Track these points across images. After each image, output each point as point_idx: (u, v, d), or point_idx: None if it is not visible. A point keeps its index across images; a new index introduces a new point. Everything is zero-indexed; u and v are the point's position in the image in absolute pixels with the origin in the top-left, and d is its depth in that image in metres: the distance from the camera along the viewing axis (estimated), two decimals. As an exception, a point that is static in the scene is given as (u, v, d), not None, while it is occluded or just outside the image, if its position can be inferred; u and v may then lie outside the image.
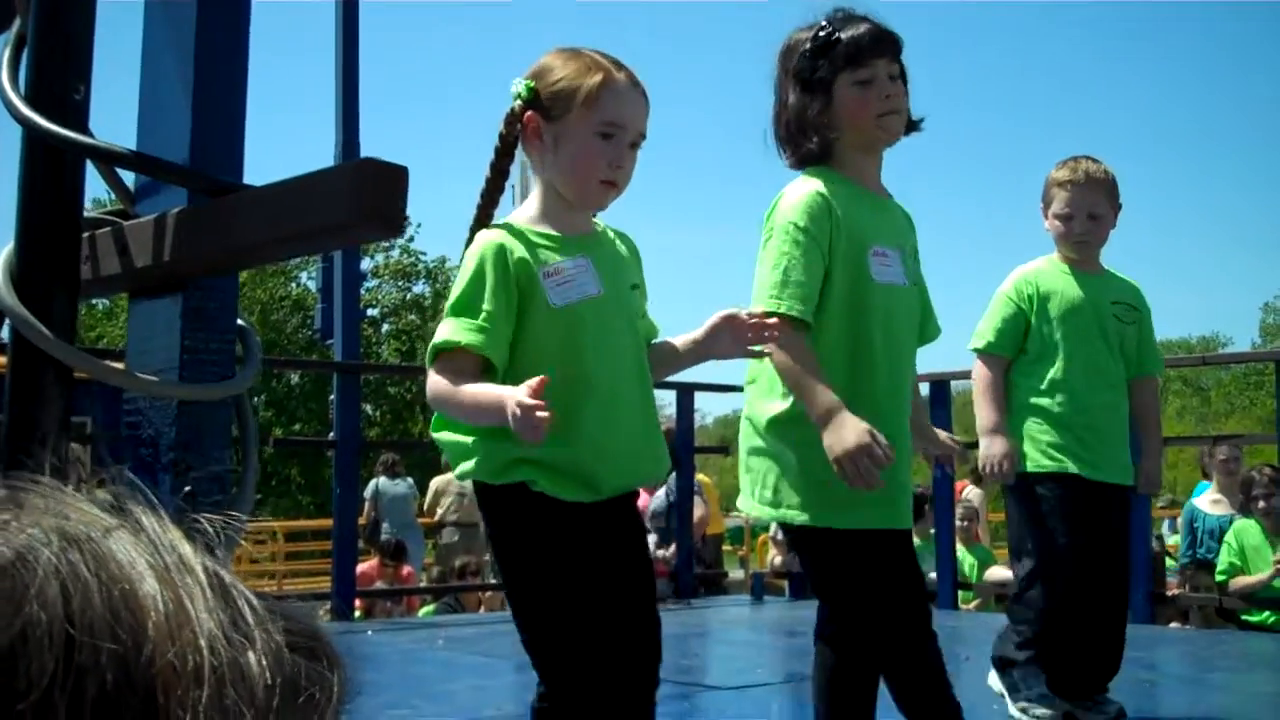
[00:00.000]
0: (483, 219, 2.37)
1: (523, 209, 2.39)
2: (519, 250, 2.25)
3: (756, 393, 2.73)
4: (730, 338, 2.46)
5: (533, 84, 2.31)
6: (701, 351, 2.49)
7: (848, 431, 2.43)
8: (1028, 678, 3.62)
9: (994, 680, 3.73)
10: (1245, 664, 5.48)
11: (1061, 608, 3.60)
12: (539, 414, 1.96)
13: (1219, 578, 6.57)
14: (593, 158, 2.27)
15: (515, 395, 2.00)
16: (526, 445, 2.11)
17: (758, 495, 2.71)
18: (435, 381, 2.19)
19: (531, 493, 2.23)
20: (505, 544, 2.33)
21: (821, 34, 2.65)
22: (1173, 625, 6.89)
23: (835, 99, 2.64)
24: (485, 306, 2.20)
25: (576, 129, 2.27)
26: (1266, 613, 6.48)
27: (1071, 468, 3.59)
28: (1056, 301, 3.69)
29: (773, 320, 2.46)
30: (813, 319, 2.59)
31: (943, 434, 3.11)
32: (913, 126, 2.75)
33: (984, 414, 3.69)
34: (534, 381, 1.99)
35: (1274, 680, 5.15)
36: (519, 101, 2.32)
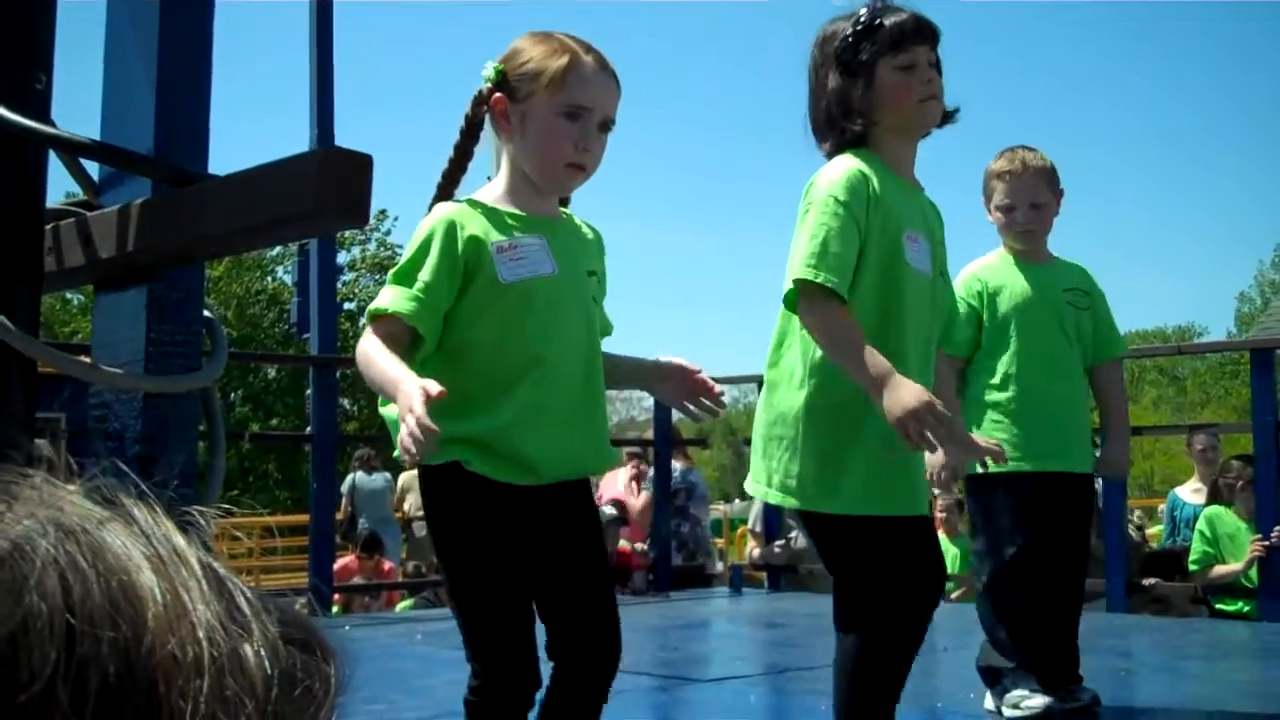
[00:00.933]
0: (441, 199, 2.37)
1: (489, 187, 2.39)
2: (471, 225, 2.25)
3: (777, 378, 2.71)
4: (675, 388, 2.49)
5: (502, 67, 2.31)
6: (642, 383, 2.56)
7: (905, 393, 2.39)
8: (1019, 680, 3.60)
9: (989, 701, 3.67)
10: (1219, 652, 5.50)
11: (1026, 608, 3.60)
12: (425, 431, 1.92)
13: (1192, 567, 6.59)
14: (558, 139, 2.27)
15: (412, 394, 1.96)
16: (459, 423, 2.15)
17: (776, 483, 2.69)
18: (363, 342, 2.19)
19: (465, 473, 2.22)
20: (437, 524, 2.33)
21: (863, 20, 2.68)
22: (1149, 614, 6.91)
23: (877, 82, 2.66)
24: (423, 277, 2.20)
25: (541, 110, 2.27)
26: (1240, 602, 6.51)
27: (1025, 467, 3.56)
28: (1006, 295, 3.68)
29: (719, 392, 2.48)
30: (847, 294, 2.54)
31: (981, 438, 3.16)
32: (948, 117, 2.77)
33: None
34: (433, 389, 1.95)
35: (1247, 668, 5.17)
36: (487, 84, 2.32)
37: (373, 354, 2.14)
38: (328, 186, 1.67)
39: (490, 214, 2.30)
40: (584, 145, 2.28)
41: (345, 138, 12.45)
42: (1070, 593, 3.70)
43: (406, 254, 2.26)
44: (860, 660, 2.71)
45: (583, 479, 2.40)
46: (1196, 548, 6.58)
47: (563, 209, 2.46)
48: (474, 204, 2.32)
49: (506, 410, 2.22)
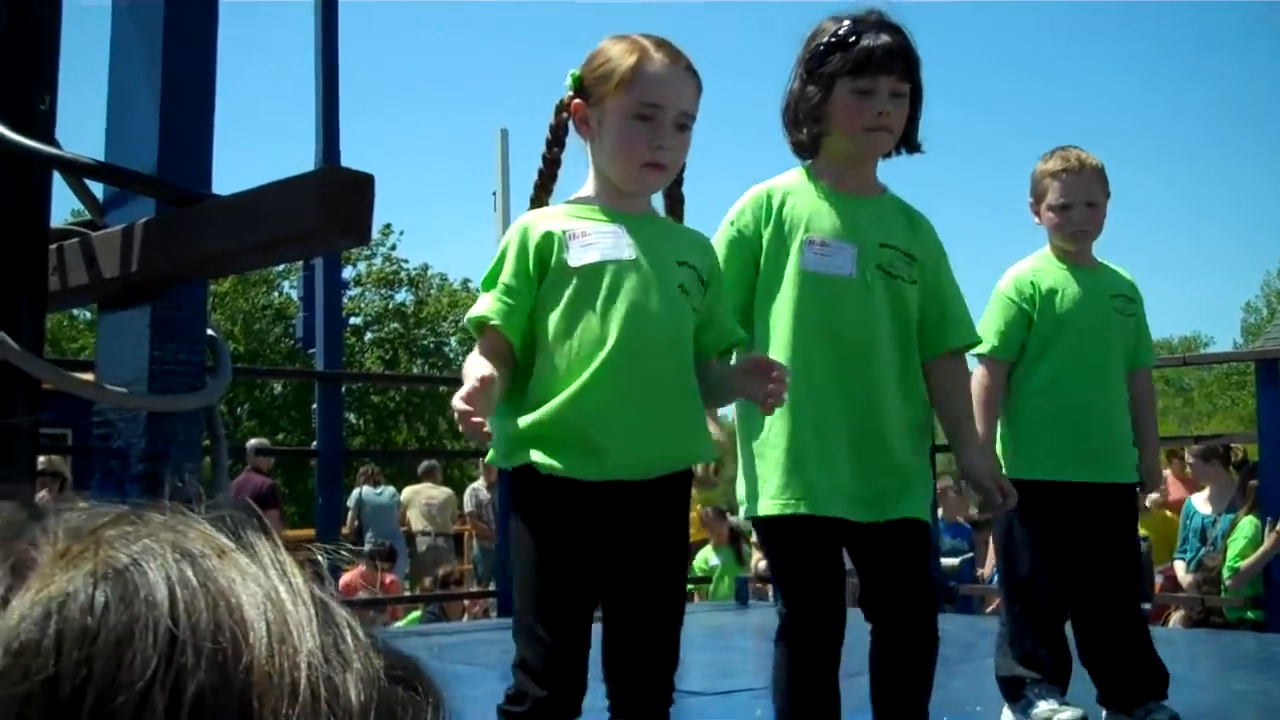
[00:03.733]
0: (535, 207, 2.43)
1: (578, 194, 2.43)
2: (547, 223, 2.29)
3: None
4: (757, 381, 2.39)
5: (579, 72, 2.34)
6: (730, 386, 2.46)
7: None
8: (1044, 693, 3.55)
9: (1007, 714, 3.64)
10: (1228, 663, 5.49)
11: (1052, 618, 3.57)
12: (471, 419, 2.01)
13: (1227, 574, 6.60)
14: (631, 140, 2.28)
15: (463, 384, 2.05)
16: (534, 417, 2.21)
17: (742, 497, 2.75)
18: (472, 354, 2.28)
19: (539, 477, 2.24)
20: (513, 524, 2.34)
21: (840, 33, 2.67)
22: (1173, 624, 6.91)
23: (832, 98, 2.67)
24: (504, 280, 2.28)
25: (614, 112, 2.29)
26: (1248, 611, 6.51)
27: (1058, 476, 3.54)
28: (1060, 299, 3.61)
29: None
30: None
31: (987, 474, 2.92)
32: (912, 147, 2.76)
33: (978, 425, 3.67)
34: (482, 375, 2.03)
35: (1255, 679, 5.16)
36: (569, 91, 2.35)
37: (467, 363, 2.25)
38: (329, 205, 1.68)
39: (573, 211, 2.35)
40: (659, 143, 2.28)
41: (351, 153, 12.50)
42: (1120, 606, 3.60)
43: (494, 259, 2.33)
44: (784, 671, 2.71)
45: (673, 477, 2.33)
46: (1233, 556, 6.60)
47: (655, 211, 2.46)
48: (555, 208, 2.38)
49: (574, 388, 2.22)
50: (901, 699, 2.72)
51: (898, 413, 2.69)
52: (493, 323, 2.24)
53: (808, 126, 2.70)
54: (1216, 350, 44.12)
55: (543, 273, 2.26)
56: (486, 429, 2.06)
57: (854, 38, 2.65)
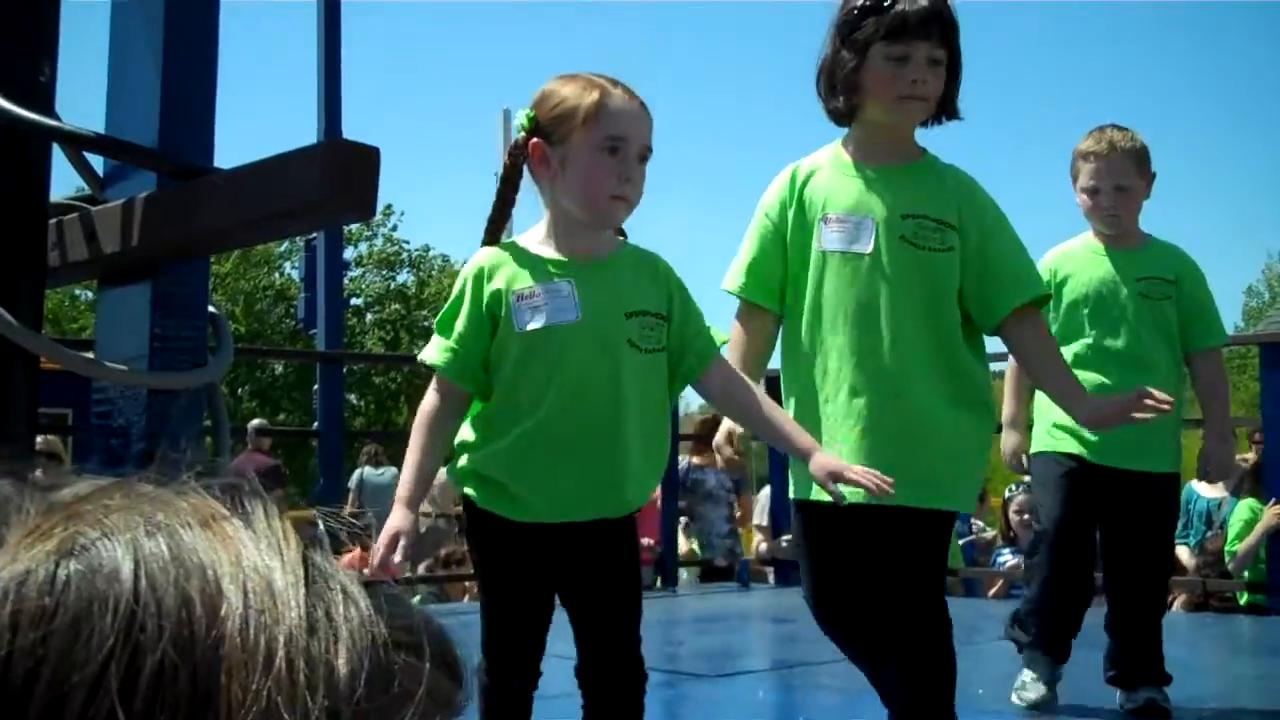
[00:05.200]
0: (489, 244, 2.44)
1: (532, 231, 2.43)
2: (500, 273, 2.33)
3: None
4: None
5: (533, 113, 2.35)
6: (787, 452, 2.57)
7: None
8: (1031, 662, 3.59)
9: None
10: (1230, 647, 5.48)
11: (1047, 589, 3.56)
12: (384, 573, 2.22)
13: (1228, 556, 6.61)
14: (601, 173, 2.30)
15: (383, 536, 2.27)
16: (474, 456, 2.37)
17: None
18: (423, 403, 2.40)
19: (477, 508, 2.39)
20: (469, 538, 2.53)
21: None
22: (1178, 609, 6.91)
23: (867, 65, 2.58)
24: (457, 328, 2.33)
25: (581, 148, 2.30)
26: (1247, 594, 6.52)
27: (1073, 448, 3.52)
28: (1073, 284, 3.56)
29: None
30: (759, 292, 2.70)
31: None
32: (951, 114, 2.68)
33: (1005, 404, 3.67)
34: (399, 546, 2.24)
35: (1258, 663, 5.15)
36: (522, 133, 2.36)
37: (414, 431, 2.39)
38: (333, 178, 1.65)
39: (525, 259, 2.35)
40: (626, 176, 2.31)
41: (352, 131, 12.45)
42: (1130, 591, 3.57)
43: (449, 300, 2.37)
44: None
45: (614, 520, 2.41)
46: (1233, 535, 6.61)
47: (621, 238, 2.48)
48: (511, 248, 2.38)
49: (506, 448, 2.34)
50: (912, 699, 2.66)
51: (930, 390, 2.60)
52: (444, 373, 2.32)
53: (843, 95, 2.63)
54: (1218, 334, 43.99)
55: (494, 324, 2.33)
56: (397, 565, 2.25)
57: (889, 2, 2.57)
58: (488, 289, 2.31)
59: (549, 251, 2.36)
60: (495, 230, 2.46)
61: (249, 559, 0.50)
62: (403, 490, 2.35)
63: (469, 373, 2.32)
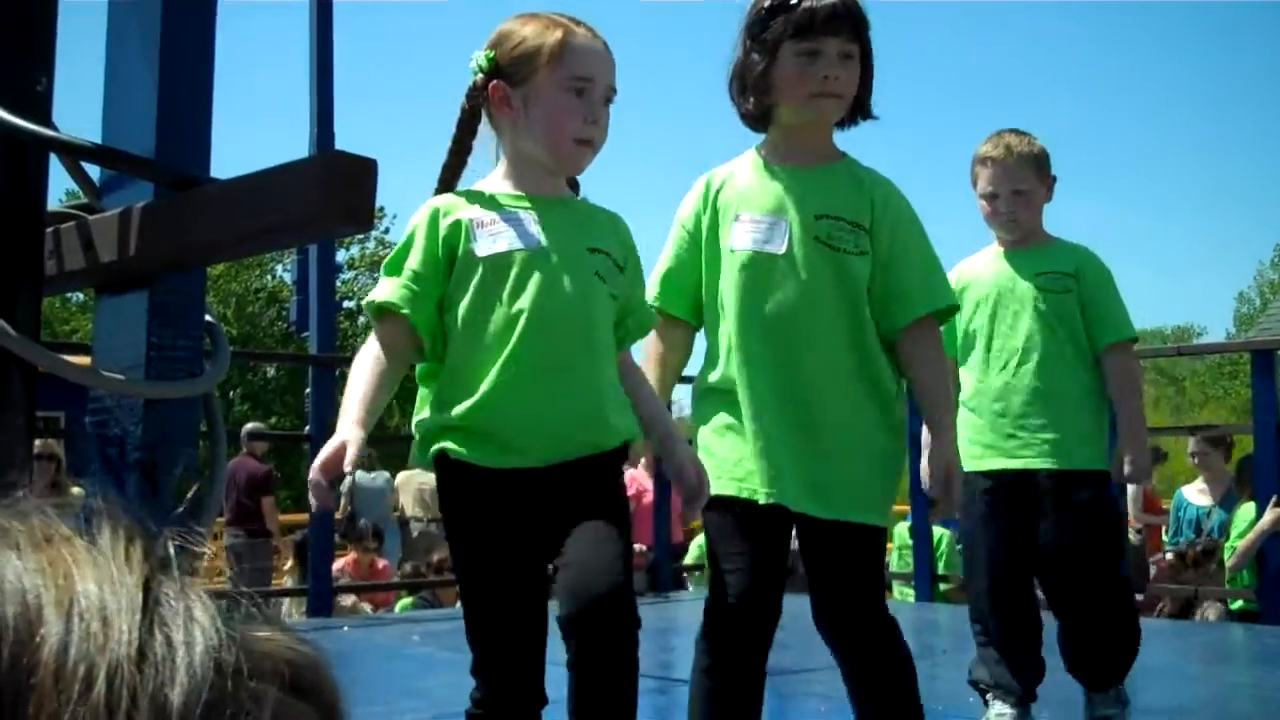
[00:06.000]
0: (442, 193, 2.34)
1: (488, 178, 2.36)
2: (457, 210, 2.24)
3: None
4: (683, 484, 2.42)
5: (492, 53, 2.28)
6: (658, 447, 2.46)
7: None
8: (998, 679, 3.50)
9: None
10: (1221, 655, 5.50)
11: (995, 604, 3.47)
12: (315, 487, 2.06)
13: (1228, 554, 6.64)
14: (566, 114, 2.24)
15: (327, 447, 2.05)
16: (443, 410, 2.19)
17: None
18: (364, 348, 2.23)
19: (453, 463, 2.20)
20: (445, 519, 2.32)
21: None
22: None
23: (777, 64, 2.52)
24: (410, 265, 2.21)
25: (546, 88, 2.23)
26: (1240, 601, 6.54)
27: (987, 462, 3.45)
28: (975, 288, 3.52)
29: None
30: (673, 303, 2.64)
31: (925, 473, 2.76)
32: (865, 114, 2.62)
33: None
34: (349, 453, 2.04)
35: (1248, 671, 5.17)
36: (480, 74, 2.28)
37: (355, 367, 2.19)
38: (330, 191, 1.66)
39: (481, 198, 2.28)
40: (591, 118, 2.25)
41: (345, 133, 12.43)
42: (1079, 595, 3.47)
43: (398, 244, 2.26)
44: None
45: (594, 459, 2.27)
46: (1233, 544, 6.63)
47: (577, 198, 2.41)
48: (464, 192, 2.30)
49: (483, 386, 2.18)
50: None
51: (845, 394, 2.53)
52: (401, 310, 2.18)
53: (755, 96, 2.57)
54: (1209, 340, 44.23)
55: (451, 262, 2.21)
56: (330, 496, 2.09)
57: (797, 0, 2.52)
58: (444, 223, 2.22)
59: (507, 188, 2.29)
60: (450, 178, 2.36)
61: (82, 583, 0.48)
62: (349, 406, 2.13)
63: (423, 311, 2.20)
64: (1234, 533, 6.70)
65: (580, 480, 2.24)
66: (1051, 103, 70.58)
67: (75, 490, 7.00)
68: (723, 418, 2.55)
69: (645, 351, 2.68)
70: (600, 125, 2.27)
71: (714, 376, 2.59)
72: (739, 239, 2.55)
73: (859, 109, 2.61)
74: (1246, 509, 6.67)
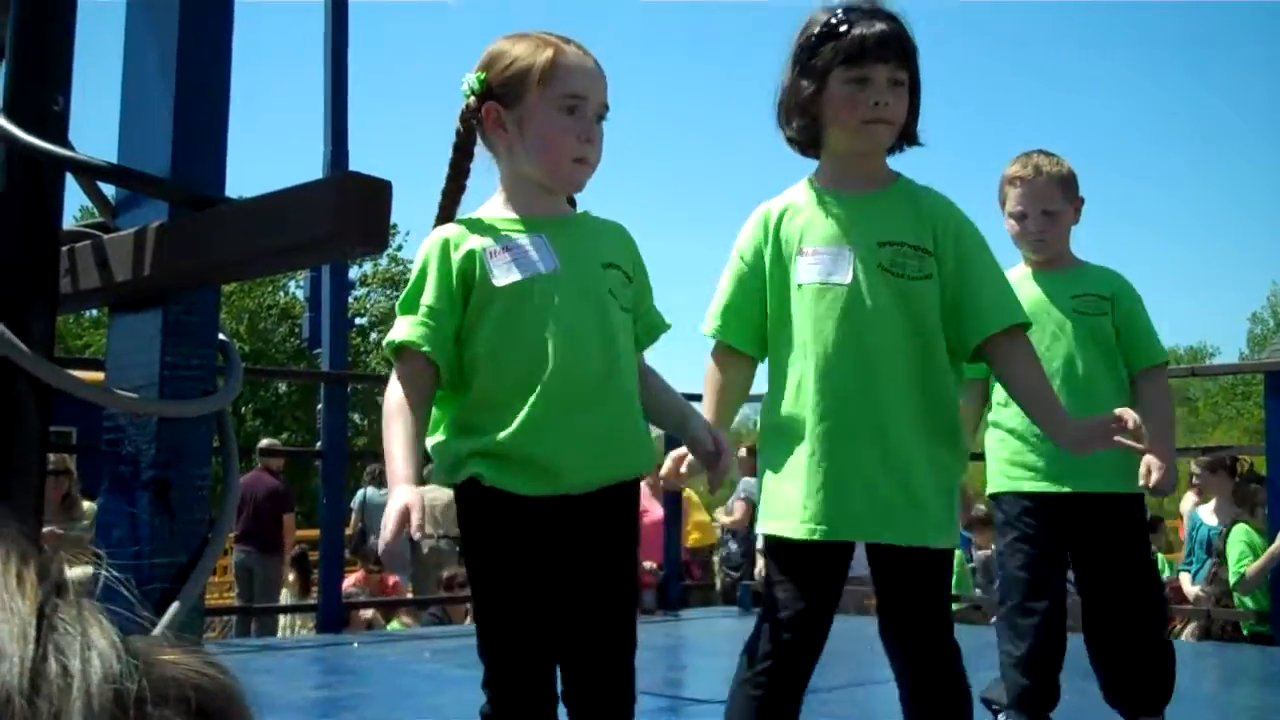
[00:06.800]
0: (443, 221, 2.35)
1: (488, 203, 2.37)
2: (466, 240, 2.24)
3: None
4: (700, 457, 2.46)
5: (484, 75, 2.29)
6: (684, 437, 2.50)
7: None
8: (1015, 700, 3.51)
9: None
10: (1232, 677, 5.47)
11: (1027, 626, 3.48)
12: (389, 555, 2.03)
13: (1233, 578, 6.60)
14: (561, 134, 2.24)
15: (390, 515, 2.06)
16: (474, 438, 2.20)
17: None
18: (389, 390, 2.23)
19: (486, 489, 2.21)
20: (465, 542, 2.34)
21: (831, 22, 2.56)
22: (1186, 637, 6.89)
23: (827, 91, 2.56)
24: (425, 301, 2.22)
25: (539, 108, 2.24)
26: (1253, 621, 6.52)
27: (1032, 484, 3.47)
28: None
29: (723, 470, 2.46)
30: (735, 335, 2.70)
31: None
32: (911, 140, 2.65)
33: None
34: (414, 517, 2.05)
35: (1258, 694, 5.14)
36: (472, 97, 2.30)
37: (388, 419, 2.20)
38: (346, 212, 1.67)
39: (486, 227, 2.28)
40: (586, 136, 2.26)
41: (358, 151, 12.48)
42: (1121, 617, 3.48)
43: (411, 280, 2.27)
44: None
45: (618, 487, 2.31)
46: (1236, 566, 6.59)
47: (576, 210, 2.41)
48: (470, 221, 2.30)
49: (517, 414, 2.19)
50: None
51: (916, 420, 2.55)
52: (421, 349, 2.19)
53: (802, 123, 2.61)
54: (1223, 361, 44.02)
55: (467, 294, 2.22)
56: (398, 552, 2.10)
57: (846, 26, 2.54)
58: (456, 256, 2.22)
59: (509, 214, 2.29)
60: (450, 204, 2.38)
61: None
62: (398, 469, 2.14)
63: (443, 346, 2.21)
64: (1231, 554, 6.66)
65: (606, 509, 2.28)
66: (1063, 122, 70.53)
67: (87, 505, 7.02)
68: (788, 457, 2.58)
69: (705, 382, 2.74)
70: (595, 143, 2.28)
71: (780, 412, 2.62)
72: (805, 273, 2.58)
73: (906, 136, 2.64)
74: (1239, 529, 6.66)
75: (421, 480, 2.20)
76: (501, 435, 2.19)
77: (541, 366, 2.19)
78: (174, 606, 1.84)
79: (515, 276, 2.21)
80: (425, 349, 2.20)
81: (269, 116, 53.49)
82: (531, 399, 2.19)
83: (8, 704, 0.44)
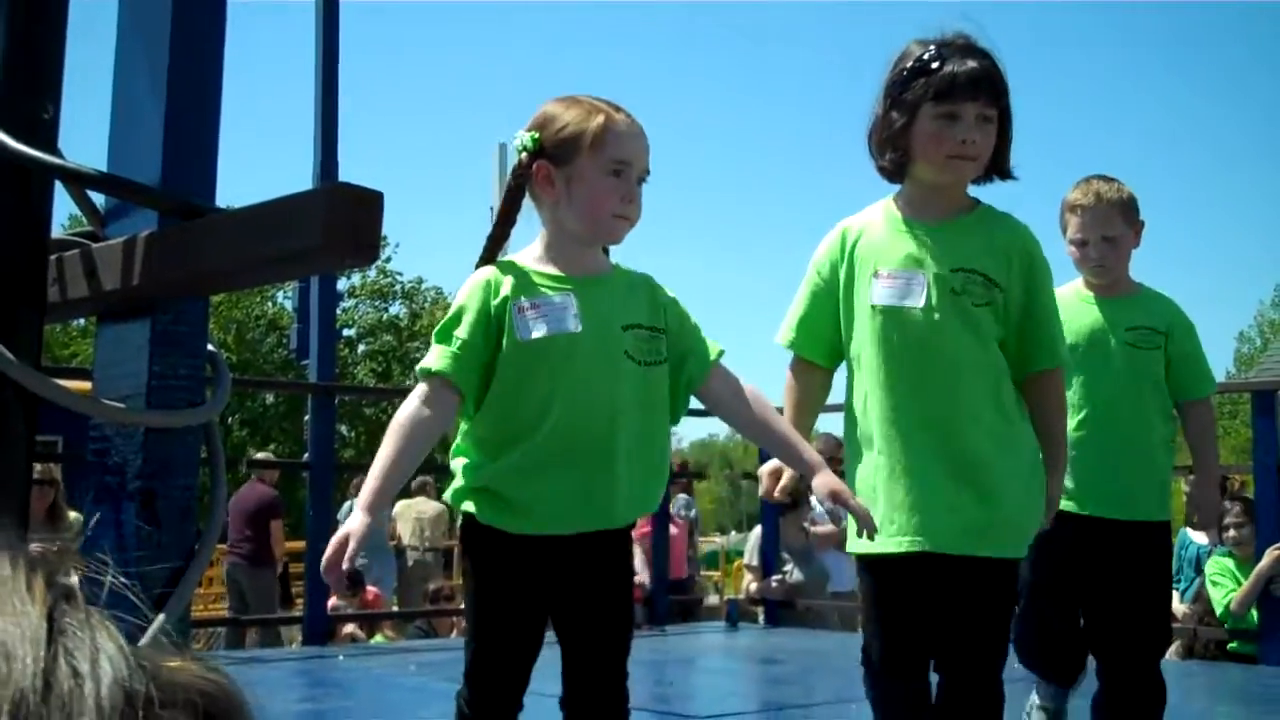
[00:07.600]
0: (485, 263, 2.48)
1: (529, 249, 2.50)
2: (504, 285, 2.38)
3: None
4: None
5: (537, 135, 2.43)
6: (792, 467, 2.63)
7: None
8: (1038, 693, 3.63)
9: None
10: (1217, 696, 5.47)
11: (1030, 649, 3.56)
12: (328, 573, 2.19)
13: (1219, 611, 6.59)
14: (606, 194, 2.39)
15: (337, 535, 2.19)
16: (476, 473, 2.39)
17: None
18: (403, 405, 2.37)
19: (479, 524, 2.40)
20: (464, 562, 2.50)
21: (925, 57, 2.63)
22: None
23: (916, 125, 2.63)
24: (460, 334, 2.35)
25: (588, 169, 2.39)
26: (1238, 642, 6.51)
27: (1067, 507, 3.48)
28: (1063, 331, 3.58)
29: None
30: (809, 348, 2.81)
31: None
32: (1004, 174, 2.72)
33: None
34: (352, 544, 2.16)
35: (1242, 713, 5.14)
36: (525, 153, 2.43)
37: (388, 434, 2.34)
38: (336, 223, 1.66)
39: (522, 275, 2.41)
40: (629, 197, 2.40)
41: (348, 161, 12.48)
42: (1126, 644, 3.49)
43: (449, 313, 2.41)
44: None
45: (613, 533, 2.45)
46: (1223, 596, 6.58)
47: (610, 262, 2.54)
48: (510, 266, 2.43)
49: (511, 458, 2.36)
50: None
51: (992, 437, 2.64)
52: (449, 377, 2.33)
53: (891, 153, 2.67)
54: (1208, 379, 44.00)
55: (499, 334, 2.36)
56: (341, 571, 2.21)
57: (939, 63, 2.60)
58: (496, 298, 2.36)
59: (548, 268, 2.43)
60: (495, 247, 2.52)
61: None
62: (365, 495, 2.28)
63: (470, 379, 2.35)
64: (1216, 593, 6.65)
65: (593, 548, 2.43)
66: (1049, 135, 70.87)
67: (73, 515, 6.98)
68: (867, 477, 2.68)
69: (784, 392, 2.85)
70: (635, 204, 2.43)
71: (856, 431, 2.73)
72: (879, 295, 2.66)
73: (996, 169, 2.71)
74: (1212, 562, 6.69)
75: (408, 494, 2.30)
76: (492, 474, 2.38)
77: (543, 419, 2.34)
78: (159, 618, 1.83)
79: (539, 333, 2.35)
80: (453, 379, 2.33)
81: (257, 129, 53.50)
82: (523, 446, 2.35)
83: (21, 703, 0.45)
